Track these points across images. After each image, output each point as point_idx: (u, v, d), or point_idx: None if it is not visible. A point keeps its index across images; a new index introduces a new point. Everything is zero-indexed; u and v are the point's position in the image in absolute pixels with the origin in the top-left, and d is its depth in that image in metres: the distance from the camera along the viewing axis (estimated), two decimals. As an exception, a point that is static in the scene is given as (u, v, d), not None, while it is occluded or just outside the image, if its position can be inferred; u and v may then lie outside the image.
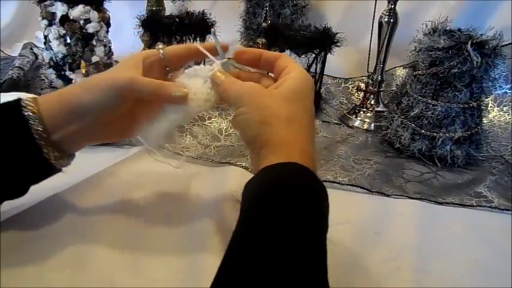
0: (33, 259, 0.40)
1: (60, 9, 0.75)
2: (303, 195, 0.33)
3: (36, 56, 0.94)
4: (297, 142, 0.37)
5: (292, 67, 0.42)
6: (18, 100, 0.39)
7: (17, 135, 0.38)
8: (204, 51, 0.43)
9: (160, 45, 0.44)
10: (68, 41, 0.77)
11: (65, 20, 0.76)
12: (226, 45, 0.44)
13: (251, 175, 0.37)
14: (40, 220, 0.46)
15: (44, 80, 0.87)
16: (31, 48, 0.97)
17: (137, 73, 0.41)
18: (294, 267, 0.28)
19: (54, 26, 0.77)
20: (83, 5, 0.75)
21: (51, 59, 0.79)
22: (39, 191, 0.43)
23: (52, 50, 0.78)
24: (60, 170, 0.43)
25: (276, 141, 0.37)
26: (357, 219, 0.51)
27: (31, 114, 0.38)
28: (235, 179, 0.56)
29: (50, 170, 0.42)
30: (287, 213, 0.31)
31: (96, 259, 0.41)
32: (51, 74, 0.80)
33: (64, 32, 0.76)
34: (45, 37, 0.79)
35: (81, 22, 0.76)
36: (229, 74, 0.42)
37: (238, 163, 0.61)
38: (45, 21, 0.78)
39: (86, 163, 0.45)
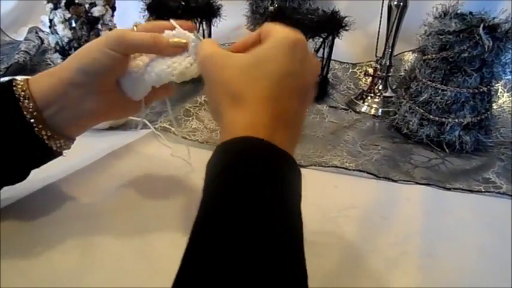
0: (42, 242, 0.41)
1: (65, -8, 0.75)
2: (259, 170, 0.30)
3: (42, 41, 0.94)
4: (241, 120, 0.33)
5: (272, 31, 0.37)
6: (10, 81, 0.40)
7: (9, 115, 0.38)
8: (177, 25, 0.43)
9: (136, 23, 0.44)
10: (73, 24, 0.77)
11: (70, 3, 0.75)
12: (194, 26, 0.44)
13: None
14: (47, 204, 0.46)
15: (50, 64, 0.87)
16: (36, 33, 0.97)
17: None
18: (262, 250, 0.25)
19: (59, 10, 0.76)
20: (88, -12, 0.75)
21: (57, 43, 0.79)
22: (45, 175, 0.43)
23: (57, 34, 0.78)
24: (60, 154, 0.43)
25: (224, 121, 0.35)
26: (364, 205, 0.51)
27: (21, 92, 0.38)
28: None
29: (47, 152, 0.41)
30: (247, 191, 0.28)
31: (104, 242, 0.42)
32: (57, 58, 0.80)
33: (69, 15, 0.76)
34: (51, 21, 0.78)
35: (87, 6, 0.76)
36: (213, 41, 0.40)
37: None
38: (50, 5, 0.77)
39: (92, 147, 0.45)
